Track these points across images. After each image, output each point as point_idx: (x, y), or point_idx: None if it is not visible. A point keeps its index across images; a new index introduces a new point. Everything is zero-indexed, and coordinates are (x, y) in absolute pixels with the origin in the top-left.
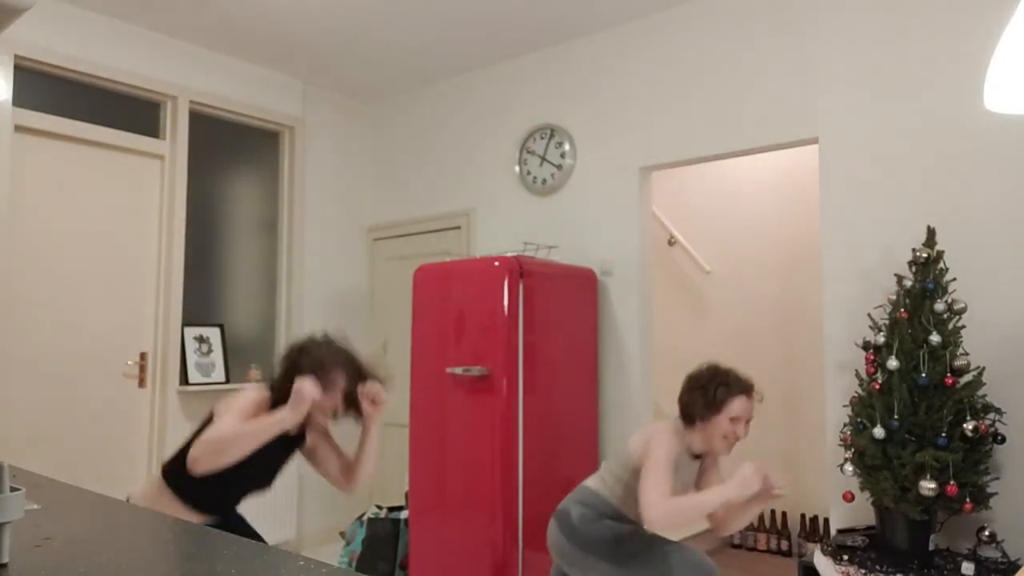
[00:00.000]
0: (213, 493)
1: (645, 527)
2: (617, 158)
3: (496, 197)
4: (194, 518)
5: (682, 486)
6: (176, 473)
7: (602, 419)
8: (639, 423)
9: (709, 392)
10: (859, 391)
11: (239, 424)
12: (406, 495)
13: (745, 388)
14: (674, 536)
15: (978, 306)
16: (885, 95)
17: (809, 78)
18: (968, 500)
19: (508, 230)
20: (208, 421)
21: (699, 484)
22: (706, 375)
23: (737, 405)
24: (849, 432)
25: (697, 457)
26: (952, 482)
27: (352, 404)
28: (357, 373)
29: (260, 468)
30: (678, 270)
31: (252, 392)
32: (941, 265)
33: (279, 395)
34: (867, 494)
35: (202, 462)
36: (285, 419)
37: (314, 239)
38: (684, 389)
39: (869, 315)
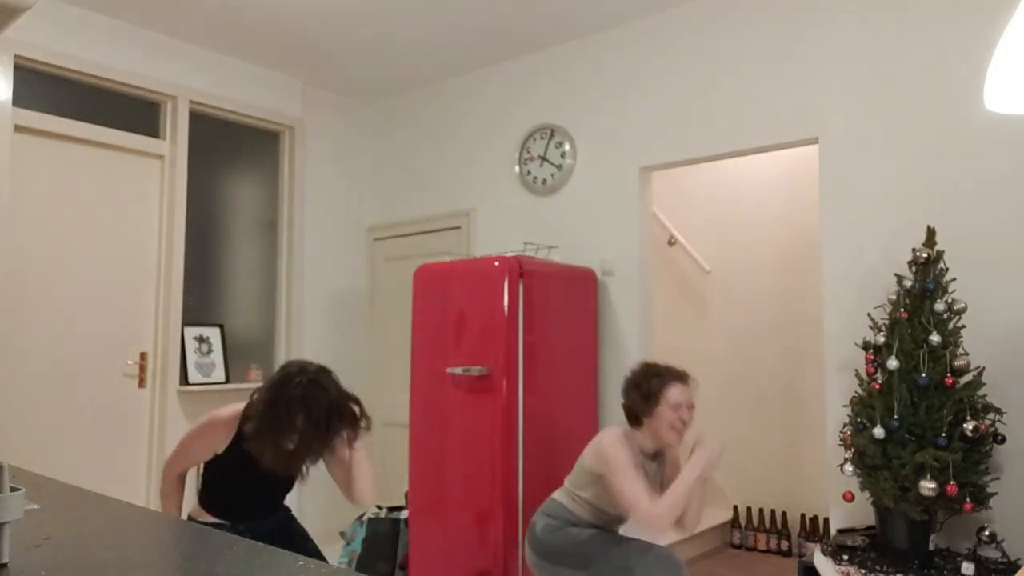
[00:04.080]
0: (231, 505)
1: (649, 531)
2: (617, 158)
3: (496, 197)
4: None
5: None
6: (207, 496)
7: (602, 419)
8: None
9: (643, 387)
10: (859, 391)
11: (167, 482)
12: (406, 495)
13: (677, 375)
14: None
15: (978, 306)
16: (885, 95)
17: (809, 78)
18: (968, 500)
19: (508, 230)
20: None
21: (665, 481)
22: (639, 373)
23: (674, 392)
24: (849, 432)
25: (654, 457)
26: (952, 482)
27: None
28: (323, 422)
29: (261, 495)
30: (678, 270)
31: (220, 414)
32: (941, 265)
33: (252, 423)
34: (867, 494)
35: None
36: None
37: (314, 239)
38: (623, 392)
39: (869, 315)
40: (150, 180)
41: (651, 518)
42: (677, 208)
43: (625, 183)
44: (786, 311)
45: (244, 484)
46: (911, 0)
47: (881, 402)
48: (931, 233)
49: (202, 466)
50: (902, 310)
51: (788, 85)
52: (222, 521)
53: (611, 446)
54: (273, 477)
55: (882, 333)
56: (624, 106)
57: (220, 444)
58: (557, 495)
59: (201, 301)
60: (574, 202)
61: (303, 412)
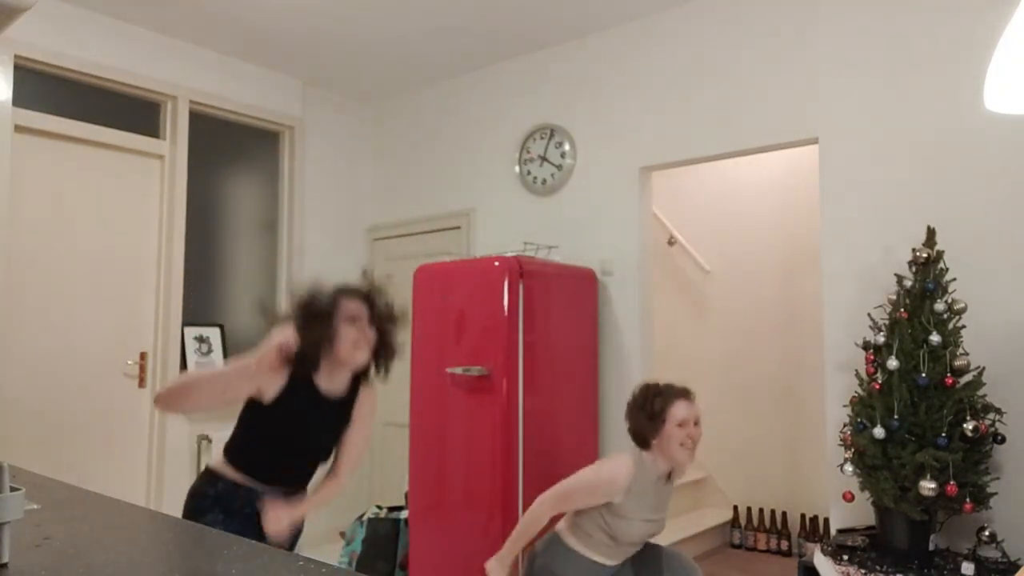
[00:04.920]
0: (269, 463)
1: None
2: (617, 158)
3: (496, 197)
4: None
5: (653, 510)
6: (233, 449)
7: (602, 419)
8: None
9: (647, 408)
10: (859, 391)
11: (210, 370)
12: (406, 495)
13: (679, 393)
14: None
15: (978, 306)
16: (885, 95)
17: (809, 78)
18: (968, 500)
19: (508, 230)
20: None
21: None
22: (641, 395)
23: (679, 410)
24: (849, 432)
25: (668, 478)
26: (952, 482)
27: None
28: (358, 291)
29: (308, 435)
30: (678, 270)
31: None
32: (941, 265)
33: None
34: (867, 494)
35: (160, 400)
36: (248, 365)
37: (314, 239)
38: (628, 416)
39: (869, 315)
40: (150, 180)
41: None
42: (677, 208)
43: (625, 183)
44: (786, 311)
45: (284, 439)
46: (911, 1)
47: (881, 402)
48: (931, 233)
49: (243, 414)
50: (902, 310)
51: (788, 85)
52: (243, 480)
53: (619, 459)
54: (318, 426)
55: (882, 333)
56: (624, 106)
57: (268, 384)
58: (560, 526)
59: (201, 301)
60: (574, 202)
61: (335, 291)
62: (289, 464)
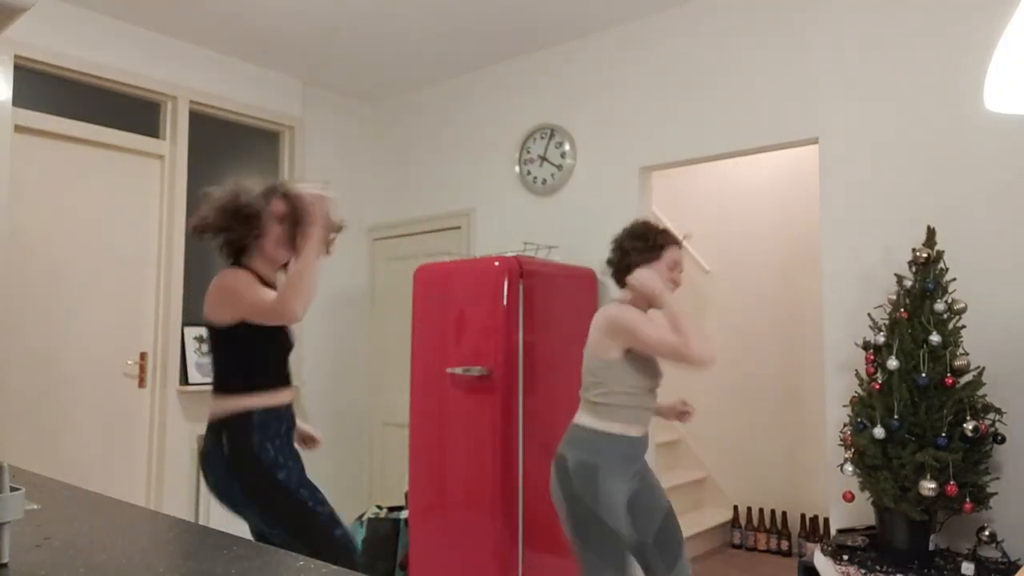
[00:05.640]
0: (276, 364)
1: (697, 366)
2: (617, 158)
3: (496, 197)
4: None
5: None
6: (245, 375)
7: None
8: None
9: (648, 237)
10: (859, 391)
11: (290, 275)
12: (406, 495)
13: (677, 239)
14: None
15: (978, 306)
16: (885, 95)
17: (809, 78)
18: (968, 500)
19: (508, 230)
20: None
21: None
22: (641, 227)
23: (673, 252)
24: (849, 432)
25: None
26: (952, 482)
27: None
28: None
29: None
30: None
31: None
32: (941, 265)
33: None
34: (867, 494)
35: (292, 304)
36: (314, 235)
37: None
38: (618, 240)
39: (869, 315)
40: (150, 180)
41: (696, 354)
42: (677, 208)
43: (625, 183)
44: (786, 311)
45: (279, 337)
46: (911, 0)
47: (881, 402)
48: (931, 233)
49: (245, 345)
50: (902, 310)
51: (788, 85)
52: (284, 402)
53: (621, 310)
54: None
55: (882, 333)
56: (624, 106)
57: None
58: (579, 419)
59: (201, 301)
60: (574, 202)
61: (265, 192)
62: (287, 361)
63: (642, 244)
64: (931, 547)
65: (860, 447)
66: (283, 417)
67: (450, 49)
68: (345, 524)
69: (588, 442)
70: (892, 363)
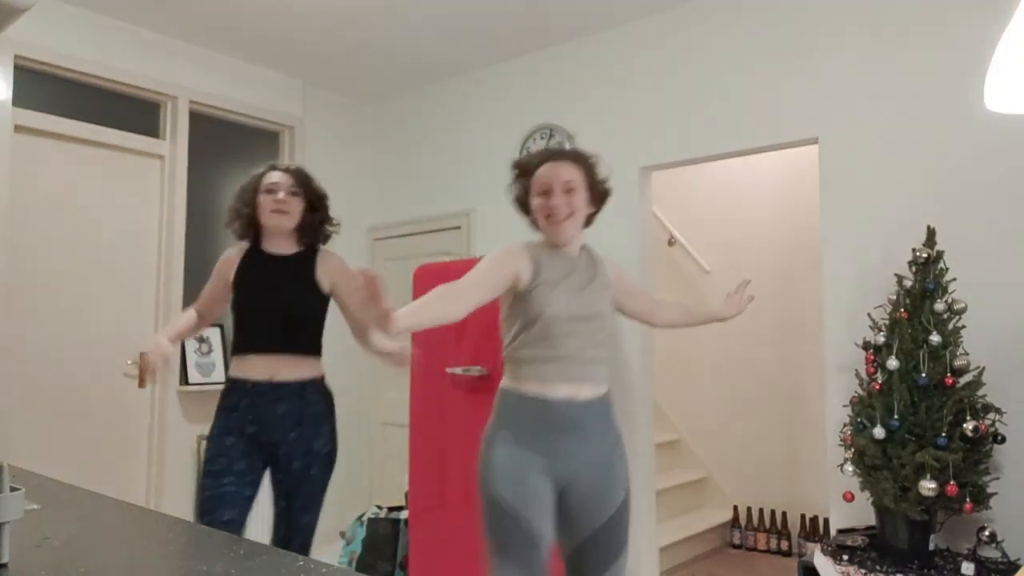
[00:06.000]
0: (257, 330)
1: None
2: (617, 158)
3: (496, 197)
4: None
5: (579, 289)
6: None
7: None
8: (638, 423)
9: (521, 163)
10: (859, 391)
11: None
12: (406, 495)
13: (554, 153)
14: None
15: (978, 306)
16: (885, 95)
17: (809, 78)
18: (968, 500)
19: (508, 230)
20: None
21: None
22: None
23: (542, 172)
24: (849, 432)
25: (587, 263)
26: (952, 482)
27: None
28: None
29: (271, 291)
30: (678, 270)
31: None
32: (941, 265)
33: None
34: (867, 494)
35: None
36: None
37: None
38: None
39: (869, 315)
40: (150, 180)
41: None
42: (677, 208)
43: (625, 183)
44: (786, 311)
45: (256, 299)
46: (911, 1)
47: (881, 402)
48: (931, 233)
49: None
50: (902, 310)
51: (788, 85)
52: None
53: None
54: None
55: (882, 333)
56: (624, 106)
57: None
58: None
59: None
60: None
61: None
62: (275, 325)
63: (517, 174)
64: (931, 547)
65: (860, 447)
66: None
67: (450, 49)
68: (216, 496)
69: (505, 405)
70: (892, 363)
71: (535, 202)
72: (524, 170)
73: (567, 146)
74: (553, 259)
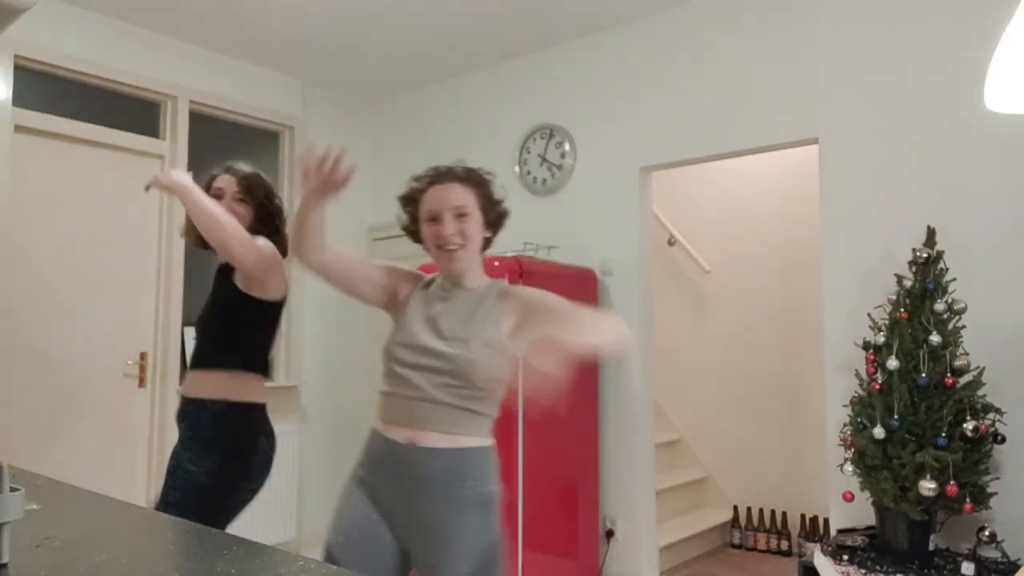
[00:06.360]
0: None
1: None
2: (617, 158)
3: None
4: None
5: (440, 317)
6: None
7: (602, 419)
8: (638, 423)
9: (405, 193)
10: (859, 391)
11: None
12: None
13: (439, 175)
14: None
15: (978, 306)
16: (885, 95)
17: (809, 78)
18: (968, 500)
19: (508, 230)
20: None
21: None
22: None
23: (427, 199)
24: (849, 432)
25: (471, 293)
26: (952, 482)
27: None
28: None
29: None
30: (678, 270)
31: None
32: (941, 265)
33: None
34: (867, 494)
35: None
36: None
37: None
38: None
39: (869, 315)
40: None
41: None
42: (677, 208)
43: (625, 183)
44: (786, 311)
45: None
46: (911, 0)
47: (881, 402)
48: (931, 233)
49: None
50: (902, 310)
51: (788, 85)
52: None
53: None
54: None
55: (882, 333)
56: (624, 106)
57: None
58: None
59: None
60: (574, 202)
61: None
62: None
63: (402, 204)
64: (931, 547)
65: (860, 447)
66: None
67: (450, 49)
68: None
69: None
70: (892, 363)
71: (425, 231)
72: (410, 196)
73: (566, 146)
74: (432, 289)
